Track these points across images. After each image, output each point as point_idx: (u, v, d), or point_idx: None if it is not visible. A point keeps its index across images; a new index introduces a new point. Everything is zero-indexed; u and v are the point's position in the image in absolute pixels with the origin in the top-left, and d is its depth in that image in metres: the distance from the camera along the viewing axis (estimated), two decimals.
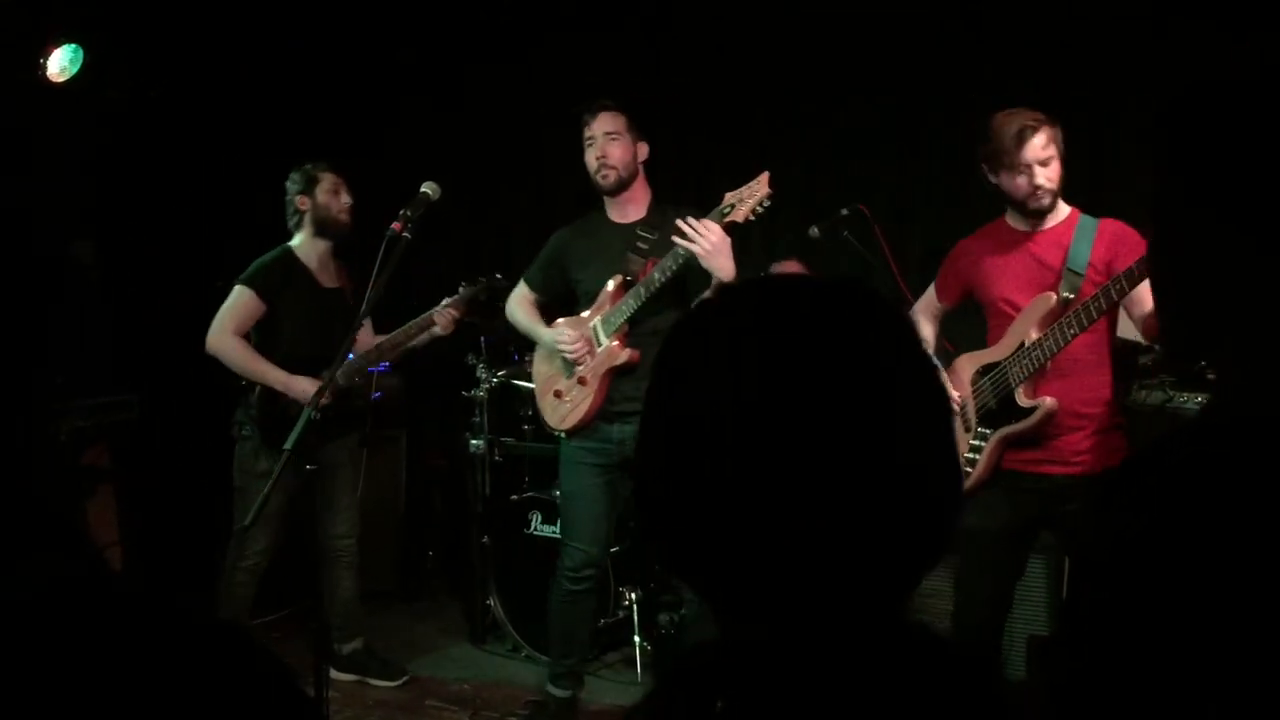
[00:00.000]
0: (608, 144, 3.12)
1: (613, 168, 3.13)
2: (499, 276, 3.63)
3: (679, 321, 0.84)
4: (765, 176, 2.85)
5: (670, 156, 4.90)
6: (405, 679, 3.77)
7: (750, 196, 2.84)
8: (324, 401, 2.78)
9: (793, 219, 4.58)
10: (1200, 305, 0.85)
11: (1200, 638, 0.66)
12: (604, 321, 3.12)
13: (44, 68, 4.07)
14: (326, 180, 3.59)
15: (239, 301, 3.53)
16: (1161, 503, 0.73)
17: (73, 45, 4.11)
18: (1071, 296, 2.64)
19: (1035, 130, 2.64)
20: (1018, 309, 2.74)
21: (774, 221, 4.72)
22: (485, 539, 4.19)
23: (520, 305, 3.39)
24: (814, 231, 3.83)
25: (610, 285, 3.14)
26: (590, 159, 3.16)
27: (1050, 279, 2.71)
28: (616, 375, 3.11)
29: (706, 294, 2.87)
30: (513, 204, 5.30)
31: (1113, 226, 2.71)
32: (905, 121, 4.46)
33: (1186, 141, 0.86)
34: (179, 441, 4.47)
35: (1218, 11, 3.47)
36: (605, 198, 3.22)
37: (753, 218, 2.86)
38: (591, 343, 3.14)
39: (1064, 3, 3.97)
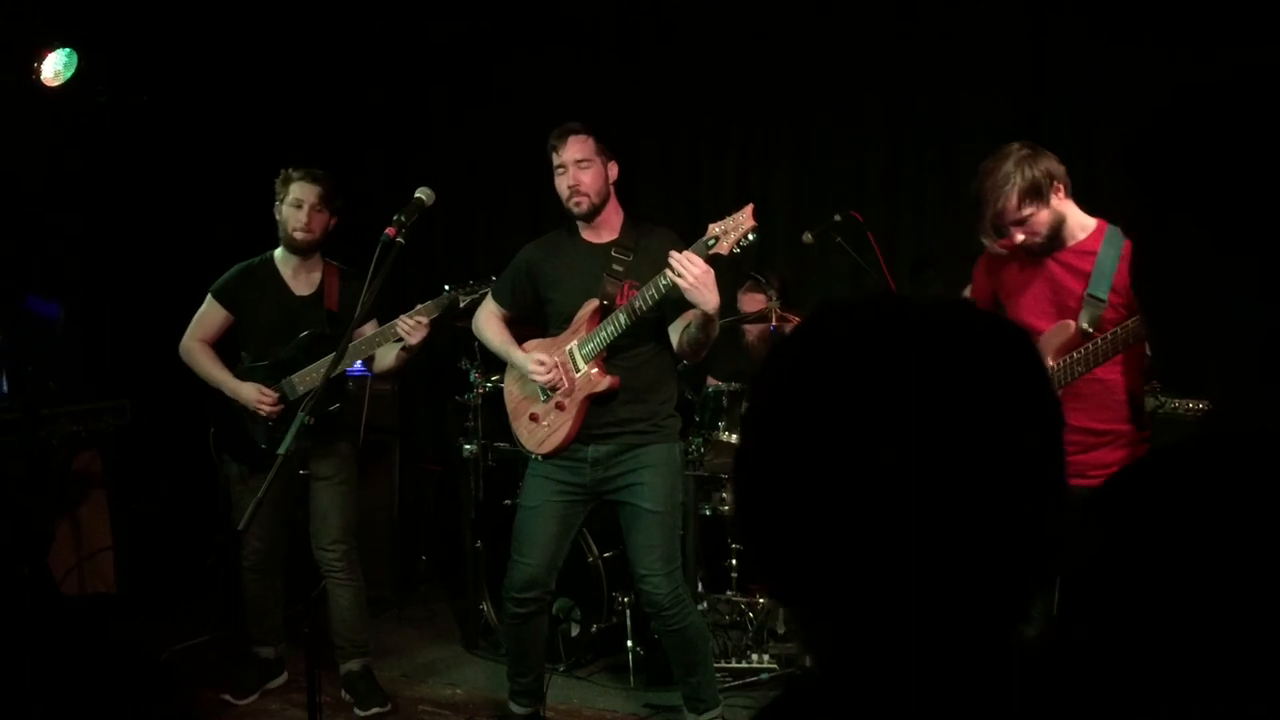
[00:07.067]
0: (579, 172, 3.02)
1: (585, 195, 3.03)
2: (495, 279, 3.56)
3: (794, 332, 0.80)
4: (750, 209, 2.78)
5: (657, 167, 4.94)
6: (375, 711, 3.58)
7: (734, 229, 2.78)
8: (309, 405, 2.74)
9: (784, 225, 4.60)
10: (1188, 323, 0.86)
11: (1185, 654, 0.66)
12: (581, 346, 3.05)
13: (38, 71, 4.07)
14: (290, 192, 3.48)
15: (204, 310, 3.62)
16: (1150, 518, 0.73)
17: (67, 50, 4.10)
18: (1090, 330, 2.57)
19: (1002, 204, 2.56)
20: (1038, 333, 2.67)
21: (766, 227, 4.73)
22: (478, 544, 4.19)
23: (489, 323, 3.27)
24: (807, 237, 3.83)
25: (587, 309, 3.06)
26: (562, 187, 3.05)
27: (1071, 303, 2.63)
28: (593, 401, 3.06)
29: (691, 320, 2.85)
30: (511, 209, 5.30)
31: None
32: (894, 128, 4.48)
33: (1160, 162, 0.86)
34: (171, 446, 4.46)
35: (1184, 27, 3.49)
36: (579, 221, 3.15)
37: (737, 250, 2.79)
38: (568, 367, 3.08)
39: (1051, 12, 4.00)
